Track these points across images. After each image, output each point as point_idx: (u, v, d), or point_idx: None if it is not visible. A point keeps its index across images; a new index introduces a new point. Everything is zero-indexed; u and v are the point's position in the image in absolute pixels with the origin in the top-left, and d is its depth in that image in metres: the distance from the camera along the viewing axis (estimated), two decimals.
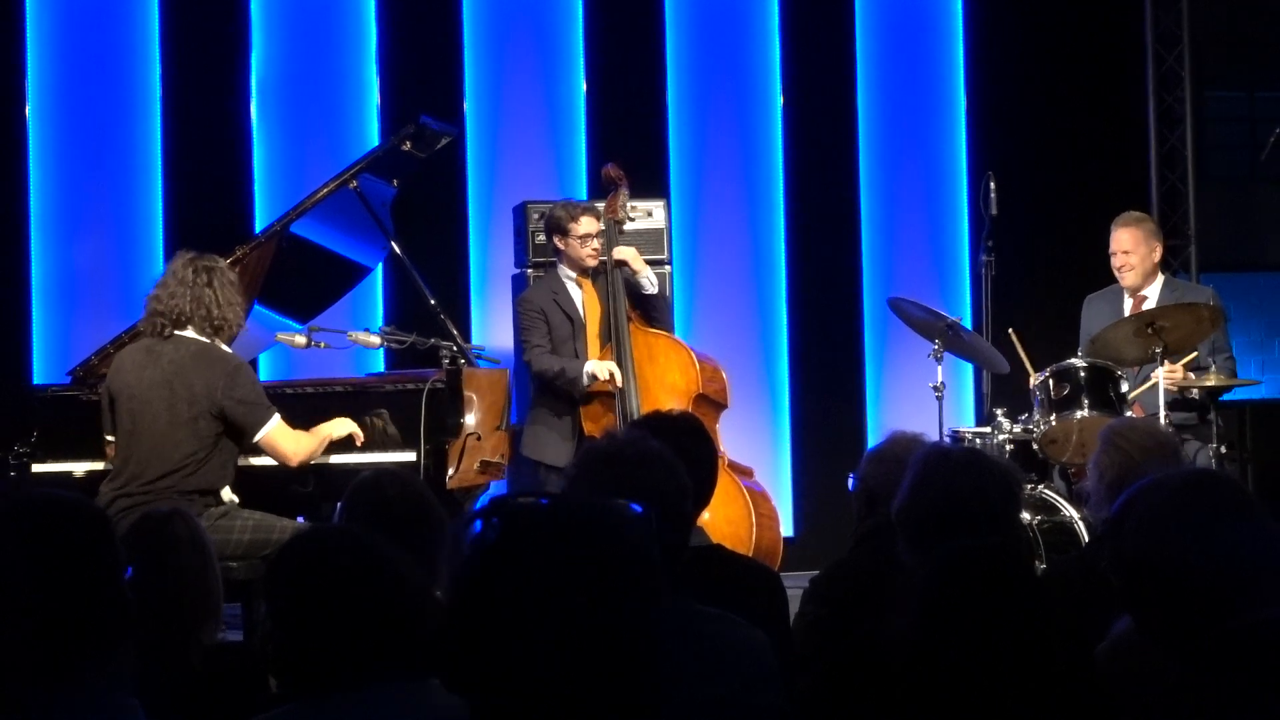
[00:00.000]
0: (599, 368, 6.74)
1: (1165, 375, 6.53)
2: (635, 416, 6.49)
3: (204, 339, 5.67)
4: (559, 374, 6.77)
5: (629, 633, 1.66)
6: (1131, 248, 7.09)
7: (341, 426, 5.86)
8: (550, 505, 1.71)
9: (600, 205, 7.13)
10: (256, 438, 5.63)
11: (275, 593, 2.48)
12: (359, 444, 5.90)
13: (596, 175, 7.66)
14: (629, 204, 7.14)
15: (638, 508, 1.75)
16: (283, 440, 5.67)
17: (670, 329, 7.12)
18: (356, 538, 2.51)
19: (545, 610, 1.64)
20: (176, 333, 5.66)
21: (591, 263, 6.91)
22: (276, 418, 5.65)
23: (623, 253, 6.97)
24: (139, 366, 5.68)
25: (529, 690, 1.64)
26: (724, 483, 6.48)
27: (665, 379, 6.85)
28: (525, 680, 1.64)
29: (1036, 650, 2.46)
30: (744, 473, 6.90)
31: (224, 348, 5.71)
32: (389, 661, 2.36)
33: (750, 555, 6.17)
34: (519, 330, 7.05)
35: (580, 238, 6.87)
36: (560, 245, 6.93)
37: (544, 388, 6.88)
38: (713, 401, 6.89)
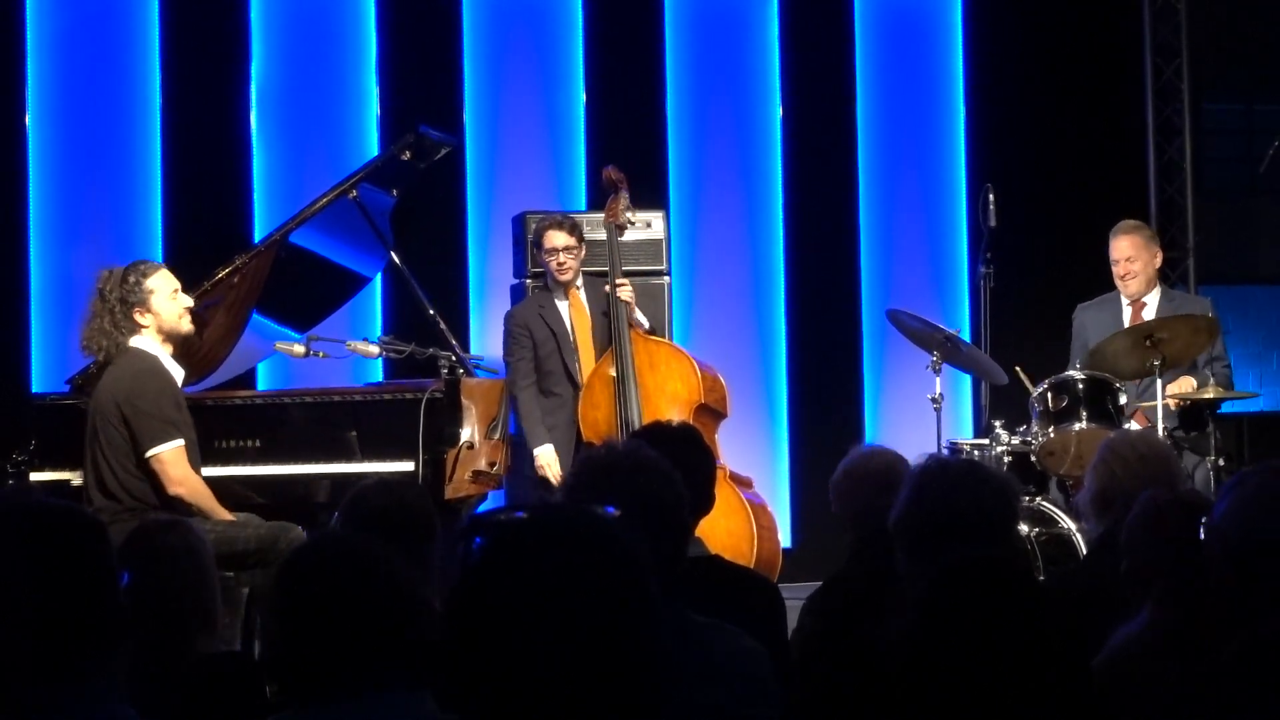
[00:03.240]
0: (542, 460, 6.73)
1: (1168, 395, 6.57)
2: (636, 424, 6.49)
3: (141, 349, 5.67)
4: (522, 427, 6.80)
5: (624, 634, 1.66)
6: (1134, 254, 7.09)
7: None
8: (527, 517, 1.71)
9: (580, 216, 7.14)
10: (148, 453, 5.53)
11: (282, 598, 2.48)
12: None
13: (596, 185, 7.67)
14: (630, 208, 7.13)
15: (611, 509, 1.76)
16: (174, 466, 5.53)
17: None
18: (365, 547, 2.52)
19: (537, 621, 1.64)
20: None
21: (561, 277, 6.90)
22: (179, 442, 5.56)
23: (622, 293, 6.93)
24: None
25: (529, 704, 1.64)
26: (725, 494, 6.48)
27: (666, 387, 6.85)
28: (524, 694, 1.64)
29: (1037, 662, 2.45)
30: (744, 484, 6.89)
31: (146, 357, 5.66)
32: (387, 671, 2.36)
33: (751, 567, 6.16)
34: (503, 347, 7.06)
35: (547, 252, 6.88)
36: (540, 259, 6.97)
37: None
38: (713, 411, 6.89)
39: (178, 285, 5.77)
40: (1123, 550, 3.31)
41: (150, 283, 5.67)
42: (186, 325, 5.75)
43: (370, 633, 2.38)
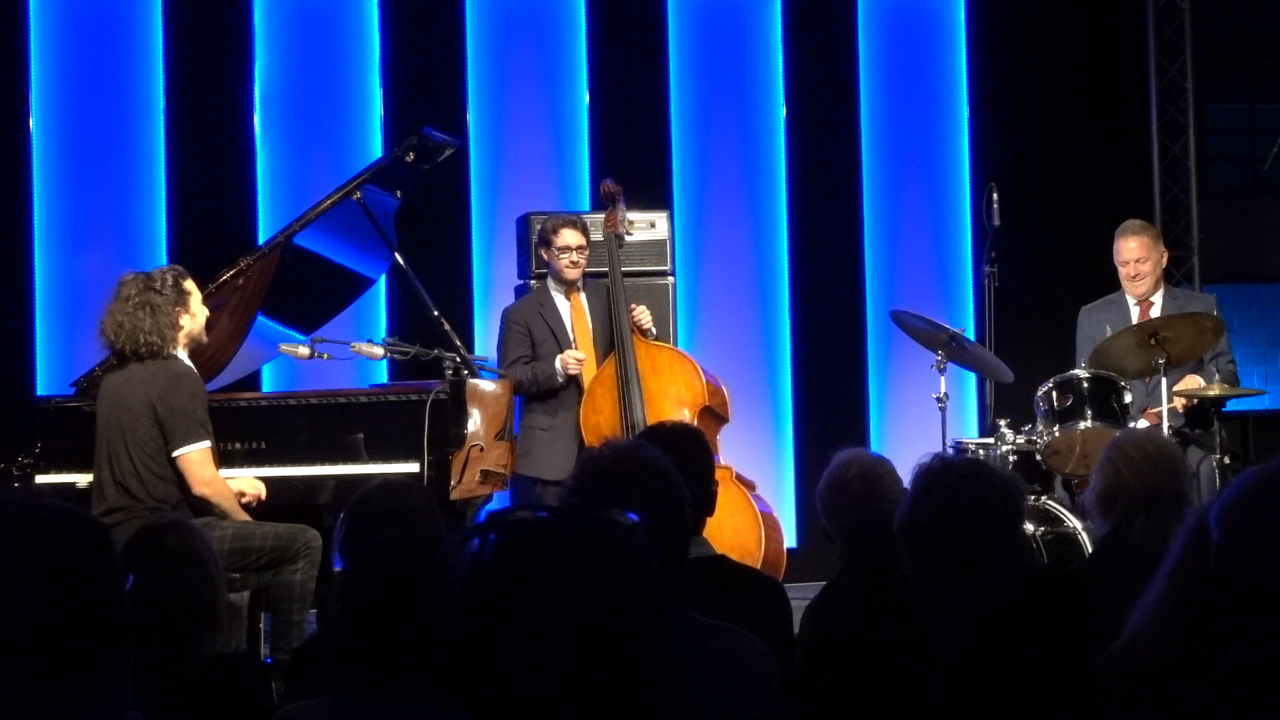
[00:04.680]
0: (568, 355, 6.77)
1: (1176, 391, 6.58)
2: (641, 426, 6.50)
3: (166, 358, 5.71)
4: (534, 379, 6.81)
5: (636, 636, 1.67)
6: (1144, 254, 7.08)
7: (250, 485, 5.83)
8: (549, 518, 1.71)
9: (586, 217, 7.15)
10: (176, 453, 5.61)
11: (359, 585, 2.51)
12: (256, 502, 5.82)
13: (599, 187, 7.67)
14: (627, 218, 7.16)
15: (634, 516, 1.75)
16: (202, 466, 5.62)
17: None
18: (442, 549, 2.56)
19: (549, 620, 1.64)
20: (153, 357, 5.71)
21: (570, 275, 6.92)
22: (207, 444, 5.63)
23: (641, 314, 6.97)
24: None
25: (537, 703, 1.64)
26: (732, 494, 6.51)
27: (669, 390, 6.86)
28: (533, 692, 1.64)
29: (1086, 668, 2.45)
30: (747, 486, 6.90)
31: (179, 361, 5.72)
32: (425, 671, 2.40)
33: (759, 565, 6.17)
34: (498, 344, 7.05)
35: (560, 249, 6.89)
36: (546, 257, 6.97)
37: (530, 403, 6.90)
38: (716, 414, 6.91)
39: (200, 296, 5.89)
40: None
41: (189, 285, 5.80)
42: (205, 336, 5.87)
43: (431, 632, 2.43)
